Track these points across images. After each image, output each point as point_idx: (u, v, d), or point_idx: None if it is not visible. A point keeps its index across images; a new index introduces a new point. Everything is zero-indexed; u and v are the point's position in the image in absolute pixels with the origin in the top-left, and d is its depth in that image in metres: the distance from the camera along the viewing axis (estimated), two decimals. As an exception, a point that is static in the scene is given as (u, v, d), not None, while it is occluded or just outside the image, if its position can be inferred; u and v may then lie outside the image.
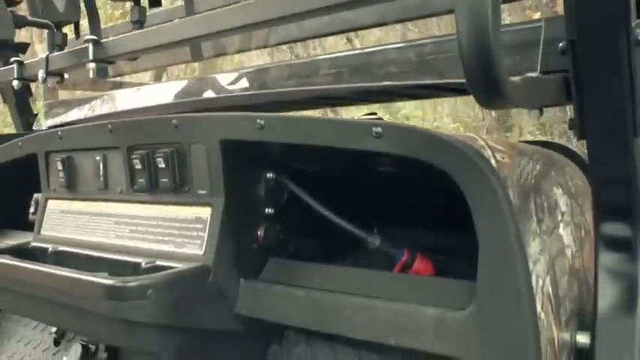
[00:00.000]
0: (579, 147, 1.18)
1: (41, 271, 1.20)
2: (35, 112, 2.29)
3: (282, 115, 1.07)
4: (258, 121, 1.05)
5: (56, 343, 1.58)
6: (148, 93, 1.90)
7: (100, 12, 1.61)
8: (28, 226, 1.57)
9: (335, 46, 5.43)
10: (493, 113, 6.26)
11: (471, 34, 0.68)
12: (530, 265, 0.83)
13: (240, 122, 1.09)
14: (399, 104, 6.66)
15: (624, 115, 0.84)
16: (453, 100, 6.89)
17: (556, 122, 5.70)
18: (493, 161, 0.87)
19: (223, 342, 1.16)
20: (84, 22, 1.64)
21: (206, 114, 1.20)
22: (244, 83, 1.62)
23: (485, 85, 0.70)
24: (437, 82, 1.19)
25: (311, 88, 1.38)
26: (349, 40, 6.13)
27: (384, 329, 0.94)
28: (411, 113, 6.83)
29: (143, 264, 1.16)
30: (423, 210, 1.18)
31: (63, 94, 2.44)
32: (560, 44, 0.92)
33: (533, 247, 0.86)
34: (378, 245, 1.12)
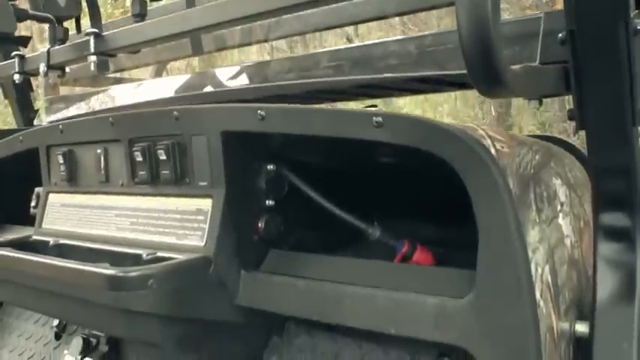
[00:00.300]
0: (579, 144, 1.19)
1: (42, 262, 1.20)
2: (36, 108, 2.29)
3: (283, 106, 1.07)
4: (259, 112, 1.05)
5: (57, 337, 1.58)
6: (148, 88, 1.90)
7: (101, 10, 1.61)
8: (30, 222, 1.57)
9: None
10: (493, 112, 6.27)
11: (471, 22, 0.68)
12: (530, 254, 0.84)
13: (241, 113, 1.09)
14: (400, 104, 6.68)
15: (623, 104, 0.85)
16: (453, 99, 6.92)
17: (556, 121, 5.71)
18: (493, 150, 0.87)
19: (224, 333, 1.17)
20: (84, 22, 1.65)
21: (207, 105, 1.20)
22: (244, 78, 1.62)
23: (486, 73, 0.71)
24: (437, 74, 1.20)
25: (311, 81, 1.39)
26: (349, 40, 6.15)
27: (384, 318, 0.94)
28: (412, 112, 6.85)
29: (144, 255, 1.16)
30: (424, 202, 1.19)
31: (63, 92, 2.45)
32: (560, 35, 0.92)
33: (533, 235, 0.87)
34: (379, 237, 1.12)
